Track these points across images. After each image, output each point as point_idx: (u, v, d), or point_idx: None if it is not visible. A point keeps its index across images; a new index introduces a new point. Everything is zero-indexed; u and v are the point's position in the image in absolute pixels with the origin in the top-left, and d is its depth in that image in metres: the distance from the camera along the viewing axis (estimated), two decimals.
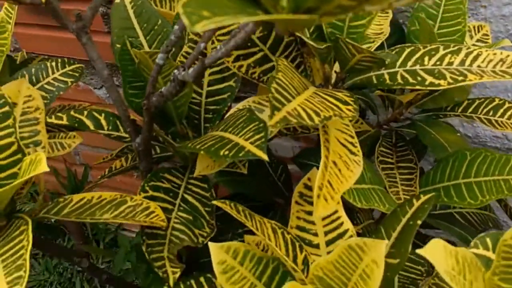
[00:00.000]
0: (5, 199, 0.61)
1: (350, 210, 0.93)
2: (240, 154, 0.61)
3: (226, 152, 0.62)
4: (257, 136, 0.62)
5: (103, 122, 0.81)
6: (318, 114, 0.58)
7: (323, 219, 0.72)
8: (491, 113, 0.93)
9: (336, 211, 0.72)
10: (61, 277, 1.83)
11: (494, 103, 0.95)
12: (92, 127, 0.80)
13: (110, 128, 0.81)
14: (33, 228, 1.32)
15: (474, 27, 1.03)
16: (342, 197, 0.76)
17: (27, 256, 0.56)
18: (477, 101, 0.96)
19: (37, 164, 0.57)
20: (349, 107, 0.64)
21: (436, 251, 0.50)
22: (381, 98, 1.00)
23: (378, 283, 0.53)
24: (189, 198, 0.75)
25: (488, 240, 0.56)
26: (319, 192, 0.62)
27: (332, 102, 0.63)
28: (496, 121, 0.93)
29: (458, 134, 0.92)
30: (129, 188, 1.68)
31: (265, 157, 0.59)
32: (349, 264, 0.56)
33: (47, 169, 0.56)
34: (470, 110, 0.96)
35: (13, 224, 0.63)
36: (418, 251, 0.50)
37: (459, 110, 0.96)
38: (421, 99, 0.97)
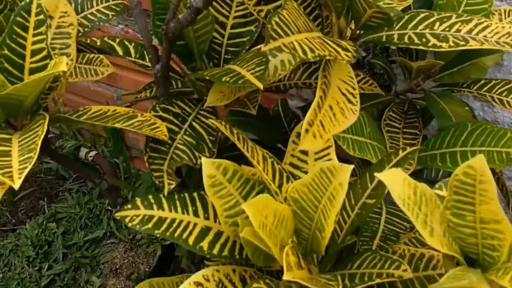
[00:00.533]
0: (31, 94, 0.69)
1: (347, 162, 0.98)
2: (239, 82, 0.66)
3: (228, 79, 0.68)
4: (257, 68, 0.68)
5: (132, 50, 0.89)
6: (313, 51, 0.63)
7: (315, 159, 0.78)
8: (504, 93, 0.96)
9: (328, 153, 0.77)
10: (91, 213, 1.95)
11: (510, 85, 0.97)
12: (120, 53, 0.87)
13: (137, 56, 0.88)
14: (72, 162, 1.39)
15: (505, 11, 1.05)
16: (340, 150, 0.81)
17: (39, 142, 0.64)
18: (493, 81, 0.98)
19: (59, 64, 0.65)
20: (348, 53, 0.68)
21: (394, 178, 0.55)
22: (401, 68, 1.03)
23: (340, 203, 0.59)
24: (197, 126, 0.81)
25: None
26: (307, 127, 0.67)
27: (332, 46, 0.68)
28: (508, 102, 0.95)
29: (466, 108, 0.94)
30: None
31: (259, 85, 0.65)
32: (320, 186, 0.61)
33: (66, 69, 0.63)
34: (485, 89, 0.98)
35: (34, 120, 0.71)
36: (376, 174, 0.55)
37: (474, 87, 0.99)
38: (439, 73, 1.00)
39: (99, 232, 1.89)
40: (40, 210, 2.02)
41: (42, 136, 0.64)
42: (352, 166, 0.58)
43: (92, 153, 1.98)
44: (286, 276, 0.56)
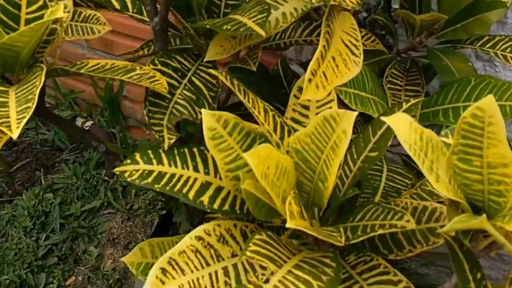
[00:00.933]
0: (27, 45, 0.67)
1: None
2: (241, 29, 0.65)
3: (229, 27, 0.66)
4: (259, 16, 0.66)
5: (129, 5, 0.87)
6: None
7: (317, 114, 0.76)
8: (508, 50, 0.94)
9: (330, 108, 0.76)
10: (87, 183, 1.94)
11: None
12: (117, 7, 0.85)
13: (135, 11, 0.86)
14: (69, 125, 1.38)
15: None
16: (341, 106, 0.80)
17: (37, 92, 0.62)
18: (497, 38, 0.97)
19: (56, 11, 0.63)
20: (353, 0, 0.67)
21: (401, 123, 0.53)
22: (403, 24, 1.01)
23: (344, 151, 0.58)
24: (196, 81, 0.80)
25: None
26: (310, 77, 0.66)
27: None
28: None
29: (470, 64, 0.93)
30: None
31: (261, 32, 0.63)
32: (323, 135, 0.60)
33: (63, 15, 0.62)
34: (488, 45, 0.96)
35: (31, 71, 0.70)
36: (382, 118, 0.54)
37: (478, 44, 0.97)
38: (442, 29, 0.99)
39: (96, 202, 1.88)
40: (36, 181, 2.01)
41: (40, 87, 0.63)
42: (356, 113, 0.57)
43: (89, 123, 1.96)
44: (289, 224, 0.56)
